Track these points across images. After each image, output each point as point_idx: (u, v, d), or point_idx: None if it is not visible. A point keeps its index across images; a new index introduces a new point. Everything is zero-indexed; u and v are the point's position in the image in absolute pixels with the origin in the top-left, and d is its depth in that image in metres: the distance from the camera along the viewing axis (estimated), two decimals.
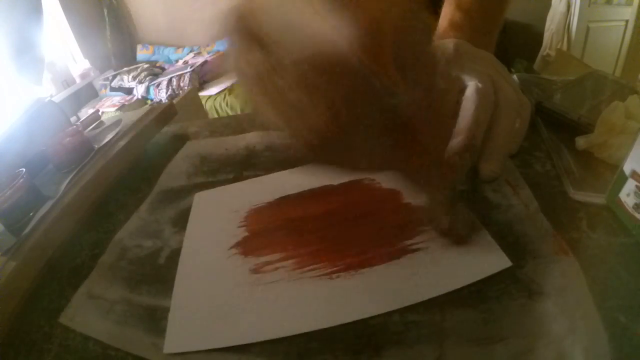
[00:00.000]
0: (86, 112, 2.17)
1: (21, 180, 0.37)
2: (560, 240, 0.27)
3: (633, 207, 0.27)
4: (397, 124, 0.21)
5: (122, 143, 0.45)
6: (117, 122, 0.50)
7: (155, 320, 0.27)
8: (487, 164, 0.33)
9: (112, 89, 2.52)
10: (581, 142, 0.35)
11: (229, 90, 2.21)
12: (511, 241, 0.28)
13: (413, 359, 0.22)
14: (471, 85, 0.31)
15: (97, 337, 0.27)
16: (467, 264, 0.26)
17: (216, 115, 2.11)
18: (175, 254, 0.33)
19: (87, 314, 0.29)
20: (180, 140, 0.51)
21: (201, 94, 2.27)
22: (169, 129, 0.55)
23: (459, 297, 0.25)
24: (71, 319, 0.28)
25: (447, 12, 0.41)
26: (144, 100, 2.41)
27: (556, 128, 0.38)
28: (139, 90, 2.41)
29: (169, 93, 2.33)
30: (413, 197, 0.33)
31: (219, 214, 0.36)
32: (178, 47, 2.81)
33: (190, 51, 2.74)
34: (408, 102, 0.20)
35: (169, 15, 2.76)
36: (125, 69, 2.59)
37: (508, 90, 0.33)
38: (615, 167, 0.29)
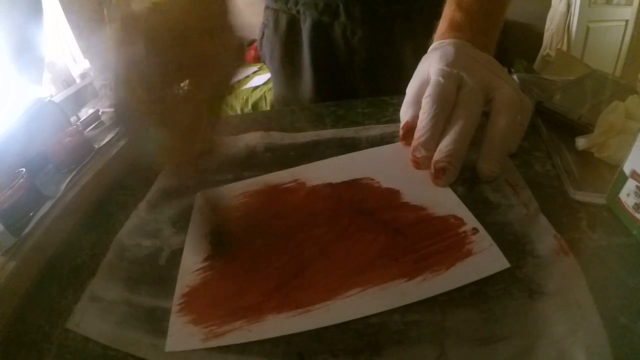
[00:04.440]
0: (86, 112, 2.17)
1: (21, 180, 0.37)
2: (561, 240, 0.27)
3: (633, 207, 0.27)
4: None
5: (122, 143, 0.45)
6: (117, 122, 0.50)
7: (155, 322, 0.27)
8: (486, 163, 0.33)
9: None
10: (581, 142, 0.35)
11: (229, 90, 2.21)
12: (511, 241, 0.28)
13: (413, 358, 0.22)
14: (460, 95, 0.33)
15: (98, 339, 0.27)
16: (466, 264, 0.26)
17: None
18: (175, 255, 0.32)
19: (89, 316, 0.29)
20: None
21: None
22: None
23: (459, 296, 0.25)
24: (77, 324, 0.28)
25: (448, 12, 0.41)
26: None
27: (556, 128, 0.38)
28: None
29: None
30: (412, 197, 0.33)
31: None
32: None
33: None
34: None
35: None
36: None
37: (506, 90, 0.33)
38: (615, 167, 0.29)
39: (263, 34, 0.66)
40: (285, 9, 0.60)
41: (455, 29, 0.39)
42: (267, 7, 0.64)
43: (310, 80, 0.61)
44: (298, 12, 0.59)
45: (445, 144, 0.32)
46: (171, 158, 0.29)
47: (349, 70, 0.60)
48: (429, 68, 0.36)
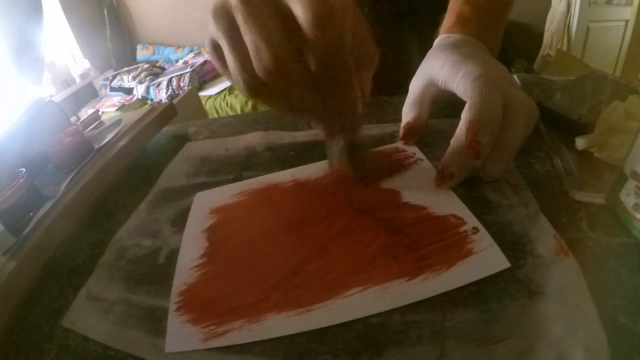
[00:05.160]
0: (86, 112, 2.18)
1: (21, 180, 0.37)
2: (561, 240, 0.27)
3: (633, 207, 0.27)
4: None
5: (122, 143, 0.45)
6: (117, 122, 0.50)
7: (155, 321, 0.27)
8: (493, 165, 0.32)
9: (112, 89, 2.52)
10: (581, 142, 0.35)
11: (229, 90, 2.21)
12: (511, 241, 0.28)
13: (414, 358, 0.22)
14: (468, 104, 0.31)
15: (97, 339, 0.27)
16: (467, 264, 0.26)
17: (216, 115, 2.11)
18: (174, 254, 0.32)
19: (88, 315, 0.29)
20: (180, 140, 0.51)
21: (201, 94, 2.27)
22: (169, 129, 0.55)
23: (459, 297, 0.25)
24: (73, 322, 0.28)
25: (455, 7, 0.41)
26: (144, 100, 2.42)
27: (556, 128, 0.38)
28: (139, 90, 2.41)
29: (169, 93, 2.33)
30: (412, 197, 0.33)
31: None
32: (178, 47, 2.81)
33: (190, 51, 2.74)
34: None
35: (169, 16, 2.76)
36: (125, 69, 2.59)
37: (522, 97, 0.32)
38: (615, 167, 0.29)
39: None
40: None
41: (462, 23, 0.39)
42: None
43: None
44: None
45: (459, 149, 0.32)
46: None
47: None
48: (439, 71, 0.35)
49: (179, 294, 0.29)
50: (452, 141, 0.33)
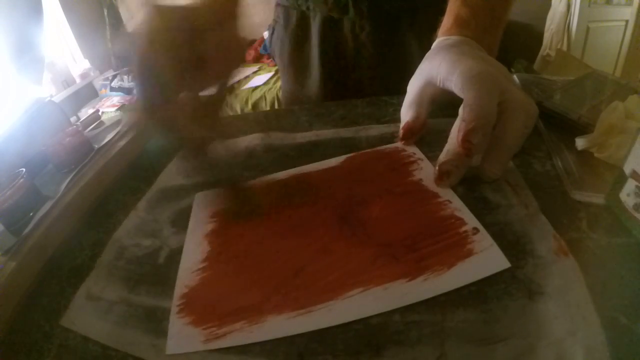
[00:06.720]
0: (86, 112, 2.18)
1: (21, 180, 0.37)
2: (560, 240, 0.27)
3: (633, 207, 0.27)
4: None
5: (122, 143, 0.45)
6: (117, 122, 0.50)
7: (154, 321, 0.27)
8: (491, 165, 0.32)
9: (112, 89, 2.52)
10: (581, 142, 0.35)
11: (229, 90, 2.21)
12: (511, 241, 0.28)
13: (414, 358, 0.22)
14: (465, 103, 0.31)
15: (97, 339, 0.27)
16: (467, 264, 0.26)
17: None
18: (174, 254, 0.32)
19: (87, 315, 0.29)
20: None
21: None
22: None
23: (459, 297, 0.25)
24: (72, 321, 0.28)
25: (453, 8, 0.41)
26: None
27: (556, 128, 0.38)
28: None
29: None
30: (413, 197, 0.33)
31: None
32: None
33: None
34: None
35: None
36: (125, 69, 2.58)
37: (519, 95, 0.32)
38: (615, 167, 0.29)
39: (273, 31, 0.67)
40: (296, 6, 0.61)
41: (461, 25, 0.39)
42: (277, 5, 0.65)
43: (319, 75, 0.62)
44: (308, 8, 0.59)
45: (454, 147, 0.32)
46: (185, 145, 0.33)
47: (357, 65, 0.61)
48: (438, 69, 0.35)
49: (180, 297, 0.29)
50: (448, 139, 0.33)
